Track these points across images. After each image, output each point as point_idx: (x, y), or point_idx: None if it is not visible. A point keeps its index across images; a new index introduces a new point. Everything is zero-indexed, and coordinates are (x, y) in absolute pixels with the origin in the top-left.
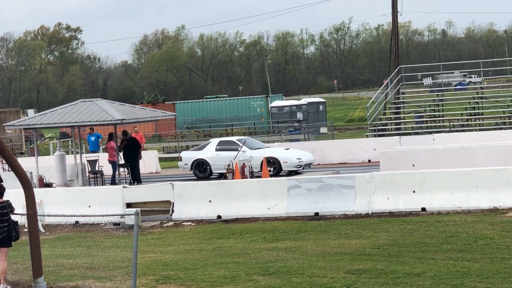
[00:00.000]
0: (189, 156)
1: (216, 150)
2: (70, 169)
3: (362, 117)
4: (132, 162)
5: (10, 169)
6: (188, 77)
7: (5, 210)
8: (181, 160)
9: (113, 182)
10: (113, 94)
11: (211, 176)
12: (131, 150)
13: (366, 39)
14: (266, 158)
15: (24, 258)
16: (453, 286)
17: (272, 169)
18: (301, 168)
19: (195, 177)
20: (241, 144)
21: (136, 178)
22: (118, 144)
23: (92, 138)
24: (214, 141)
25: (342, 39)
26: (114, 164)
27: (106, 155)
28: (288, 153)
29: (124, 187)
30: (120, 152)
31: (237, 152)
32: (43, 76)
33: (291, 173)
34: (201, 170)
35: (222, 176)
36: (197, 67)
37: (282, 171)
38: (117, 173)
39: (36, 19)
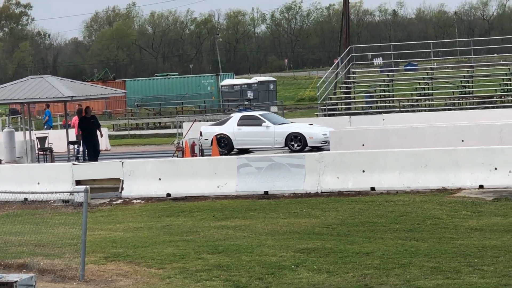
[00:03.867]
0: (209, 131)
1: (238, 125)
2: (19, 146)
3: (312, 97)
4: (95, 139)
5: None
6: (139, 54)
7: None
8: (201, 135)
9: (84, 157)
10: (63, 71)
11: (232, 152)
12: (94, 127)
13: (317, 18)
14: (291, 133)
15: None
16: (401, 266)
17: (296, 145)
18: (326, 144)
19: (144, 156)
20: (264, 119)
21: (96, 154)
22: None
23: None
24: (236, 116)
25: (293, 18)
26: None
27: (57, 131)
28: (313, 128)
29: (74, 164)
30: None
31: (259, 126)
32: None
33: (313, 149)
34: (222, 146)
35: (244, 151)
36: (148, 45)
37: (307, 147)
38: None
39: None
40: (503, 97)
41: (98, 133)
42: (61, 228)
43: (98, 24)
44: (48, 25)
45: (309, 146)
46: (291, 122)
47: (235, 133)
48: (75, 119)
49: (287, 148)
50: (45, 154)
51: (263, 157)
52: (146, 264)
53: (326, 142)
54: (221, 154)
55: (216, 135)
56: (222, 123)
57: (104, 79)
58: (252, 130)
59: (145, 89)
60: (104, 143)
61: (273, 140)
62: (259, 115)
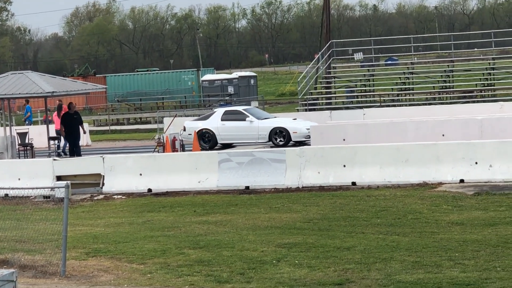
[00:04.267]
0: (193, 126)
1: (222, 120)
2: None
3: (293, 92)
4: (76, 135)
5: None
6: (119, 50)
7: None
8: (184, 130)
9: (65, 152)
10: (43, 67)
11: (215, 147)
12: (77, 123)
13: (298, 13)
14: (275, 128)
15: None
16: (382, 260)
17: (280, 139)
18: (310, 139)
19: (125, 151)
20: (247, 114)
21: (77, 150)
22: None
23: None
24: (220, 111)
25: (274, 13)
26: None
27: (37, 127)
28: (297, 123)
29: (54, 159)
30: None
31: (243, 121)
32: None
33: (297, 143)
34: (206, 141)
35: (227, 146)
36: (128, 40)
37: (291, 142)
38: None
39: None
40: (483, 91)
41: (81, 129)
42: (42, 223)
43: (78, 19)
44: (28, 20)
45: (293, 141)
46: (275, 117)
47: (218, 128)
48: (55, 115)
49: (270, 143)
50: (26, 149)
51: (244, 152)
52: (127, 259)
53: (310, 136)
54: (204, 149)
55: (199, 130)
56: (205, 118)
57: (84, 75)
58: (236, 125)
59: (126, 85)
60: (85, 138)
61: (257, 135)
62: (243, 110)
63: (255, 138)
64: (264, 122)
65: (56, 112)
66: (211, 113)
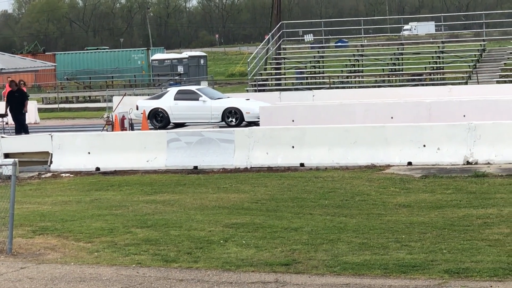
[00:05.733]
0: (145, 105)
1: (175, 99)
2: None
3: (243, 72)
4: (18, 114)
5: None
6: (69, 28)
7: None
8: (137, 109)
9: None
10: None
11: (168, 127)
12: (18, 102)
13: None
14: (228, 108)
15: None
16: (329, 241)
17: (234, 119)
18: None
19: (74, 129)
20: (200, 94)
21: (24, 129)
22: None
23: None
24: (173, 90)
25: None
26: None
27: None
28: (250, 103)
29: (2, 137)
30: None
31: (196, 101)
32: None
33: (250, 124)
34: (159, 120)
35: (180, 126)
36: (78, 18)
37: (244, 122)
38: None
39: None
40: (432, 74)
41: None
42: None
43: None
44: None
45: (246, 121)
46: (228, 97)
47: (171, 107)
48: (4, 92)
49: (223, 123)
50: None
51: (193, 131)
52: (75, 237)
53: None
54: (157, 129)
55: (152, 109)
56: (158, 97)
57: (34, 52)
58: (189, 104)
59: (75, 63)
60: (33, 116)
61: (210, 114)
62: (196, 89)
63: (208, 118)
64: (217, 102)
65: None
66: (164, 92)
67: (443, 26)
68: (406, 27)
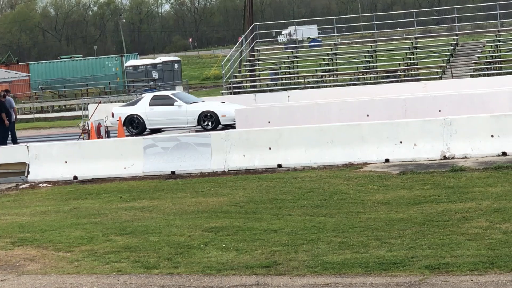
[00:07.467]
0: (121, 112)
1: (150, 105)
2: None
3: (217, 75)
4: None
5: None
6: (42, 37)
7: None
8: (112, 116)
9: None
10: None
11: (144, 133)
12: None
13: None
14: (203, 112)
15: None
16: (309, 241)
17: (210, 123)
18: None
19: (50, 139)
20: (175, 98)
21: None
22: None
23: None
24: (148, 96)
25: None
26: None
27: None
28: (226, 106)
29: None
30: None
31: (171, 106)
32: None
33: (226, 127)
34: (135, 126)
35: (156, 131)
36: (51, 27)
37: (220, 125)
38: None
39: None
40: (406, 71)
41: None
42: None
43: None
44: None
45: (222, 124)
46: (203, 101)
47: (147, 113)
48: None
49: (199, 127)
50: None
51: (170, 137)
52: (54, 247)
53: None
54: (134, 135)
55: (128, 116)
56: (133, 103)
57: (7, 63)
58: (164, 109)
59: (49, 72)
60: None
61: (186, 119)
62: (171, 94)
63: (184, 122)
64: (192, 106)
65: None
66: (139, 99)
67: (416, 21)
68: (284, 31)
